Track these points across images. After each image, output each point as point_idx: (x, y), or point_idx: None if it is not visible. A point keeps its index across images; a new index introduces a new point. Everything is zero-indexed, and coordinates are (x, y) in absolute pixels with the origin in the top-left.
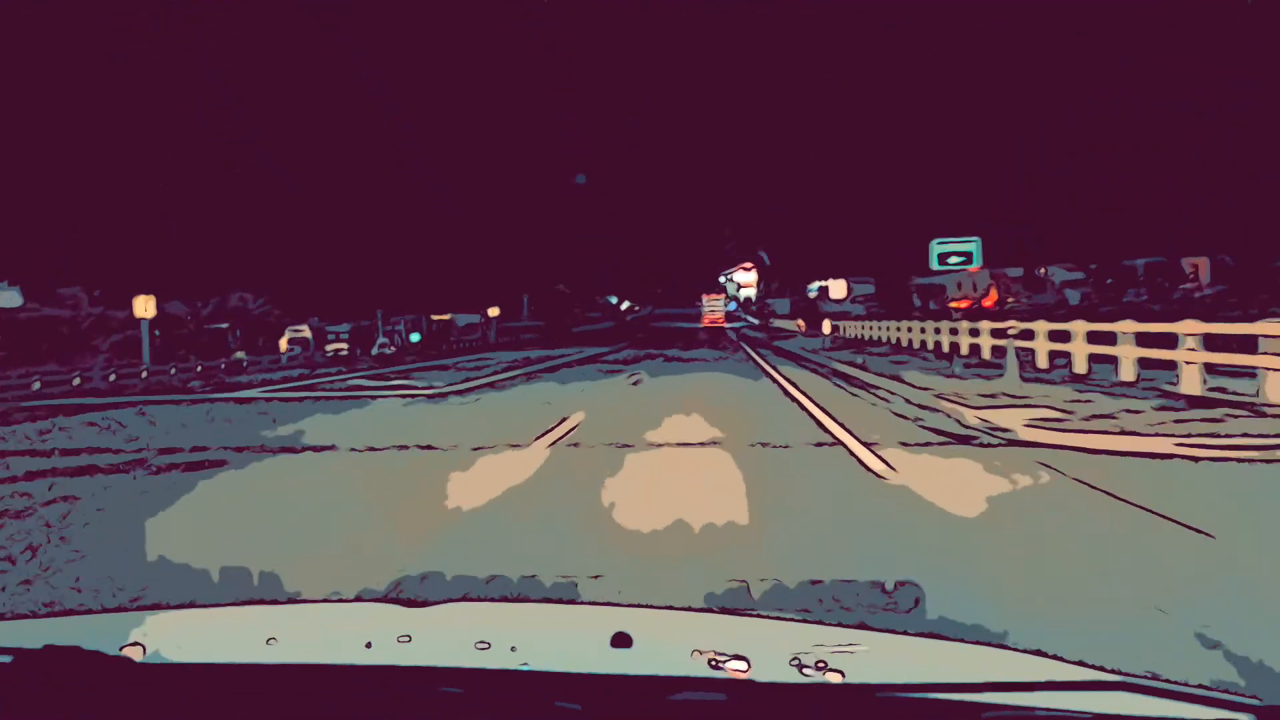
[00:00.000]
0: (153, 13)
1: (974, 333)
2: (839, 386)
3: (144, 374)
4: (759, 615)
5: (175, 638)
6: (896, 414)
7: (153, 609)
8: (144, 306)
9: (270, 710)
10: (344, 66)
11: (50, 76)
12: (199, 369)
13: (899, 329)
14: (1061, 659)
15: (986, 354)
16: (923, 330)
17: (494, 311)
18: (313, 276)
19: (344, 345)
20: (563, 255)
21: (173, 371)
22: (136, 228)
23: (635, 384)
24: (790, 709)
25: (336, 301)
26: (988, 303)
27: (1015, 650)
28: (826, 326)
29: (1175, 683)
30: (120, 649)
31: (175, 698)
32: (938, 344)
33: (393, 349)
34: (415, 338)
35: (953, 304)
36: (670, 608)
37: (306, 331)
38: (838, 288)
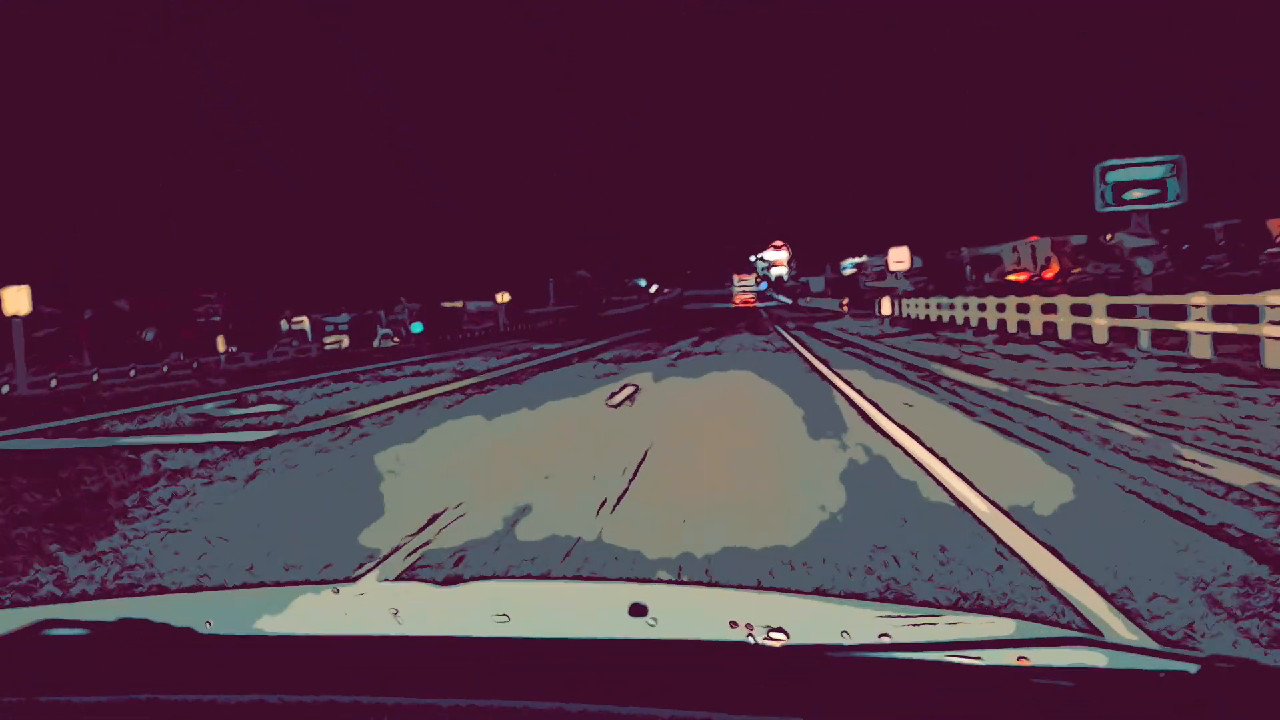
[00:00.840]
0: (153, 13)
1: (1117, 311)
2: (960, 408)
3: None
4: (784, 590)
5: (231, 614)
6: (1195, 520)
7: (203, 590)
8: (14, 301)
9: (307, 676)
10: (344, 66)
11: (50, 76)
12: (133, 373)
13: (976, 307)
14: (1022, 616)
15: (1145, 343)
16: (1021, 309)
17: (503, 298)
18: (318, 269)
19: (342, 338)
20: (581, 241)
21: (95, 378)
22: (130, 225)
23: (622, 404)
24: (793, 670)
25: (344, 292)
26: (1049, 274)
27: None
28: (886, 306)
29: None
30: (187, 623)
31: (233, 667)
32: (1050, 326)
33: (395, 340)
34: (417, 328)
35: (1010, 277)
36: (697, 583)
37: (305, 323)
38: (899, 256)
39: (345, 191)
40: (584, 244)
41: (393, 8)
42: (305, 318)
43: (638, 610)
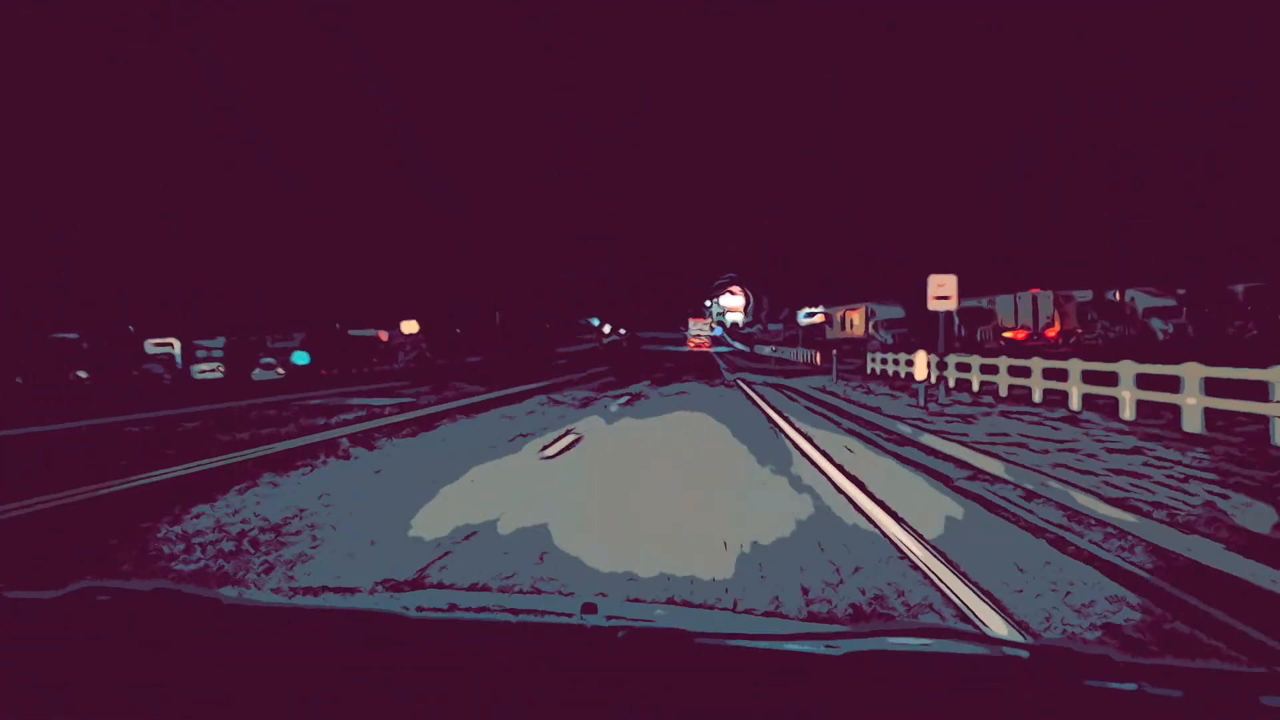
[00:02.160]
0: (153, 13)
1: None
2: None
3: None
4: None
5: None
6: None
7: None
8: None
9: (296, 645)
10: (344, 66)
11: (50, 76)
12: None
13: (1024, 372)
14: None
15: None
16: (1095, 379)
17: (410, 328)
18: (309, 276)
19: (216, 365)
20: (581, 241)
21: None
22: (130, 225)
23: None
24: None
25: (337, 300)
26: (1051, 333)
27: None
28: (921, 366)
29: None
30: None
31: (253, 628)
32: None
33: (280, 372)
34: (300, 359)
35: (1006, 334)
36: (641, 601)
37: (173, 347)
38: (943, 287)
39: (344, 192)
40: (583, 244)
41: (392, 8)
42: (174, 340)
43: (589, 608)
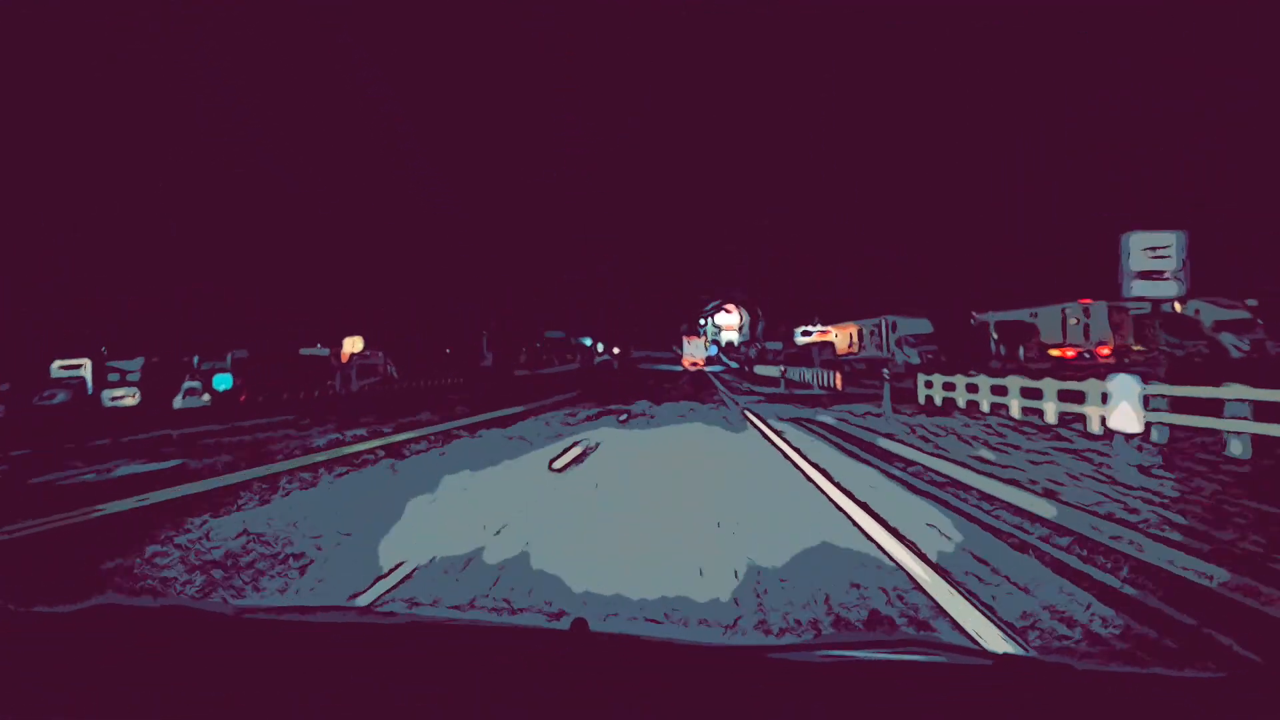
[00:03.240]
0: (153, 13)
1: None
2: None
3: None
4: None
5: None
6: None
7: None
8: None
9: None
10: (344, 66)
11: (50, 76)
12: None
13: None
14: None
15: None
16: None
17: (354, 345)
18: (306, 281)
19: (130, 390)
20: (544, 268)
21: None
22: (131, 225)
23: None
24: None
25: (328, 307)
26: (1104, 351)
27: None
28: (1124, 415)
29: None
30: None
31: (255, 632)
32: None
33: (208, 399)
34: (222, 383)
35: (1053, 351)
36: (636, 618)
37: (84, 369)
38: (1162, 254)
39: (344, 193)
40: (583, 244)
41: (392, 8)
42: (86, 362)
43: (580, 624)
